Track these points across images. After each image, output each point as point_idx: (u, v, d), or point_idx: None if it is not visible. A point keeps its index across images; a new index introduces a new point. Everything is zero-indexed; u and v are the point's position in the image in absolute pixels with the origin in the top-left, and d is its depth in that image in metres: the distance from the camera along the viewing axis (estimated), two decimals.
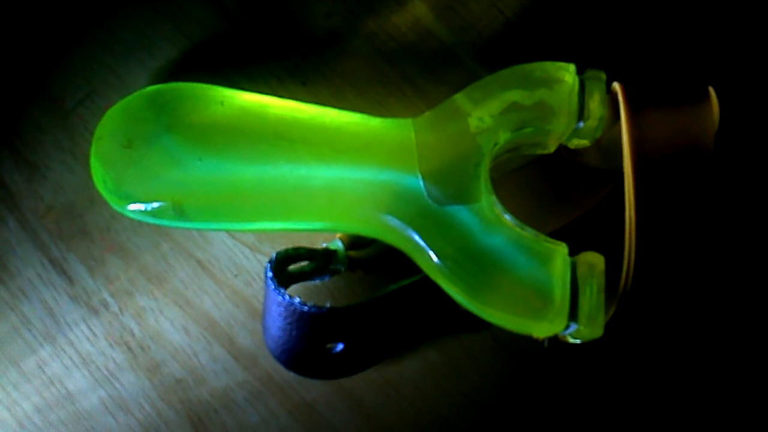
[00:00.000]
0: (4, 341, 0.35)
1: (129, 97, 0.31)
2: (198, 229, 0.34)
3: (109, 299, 0.34)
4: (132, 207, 0.30)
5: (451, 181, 0.29)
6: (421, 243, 0.29)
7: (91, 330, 0.34)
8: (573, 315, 0.28)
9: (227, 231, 0.35)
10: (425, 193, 0.29)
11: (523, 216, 0.31)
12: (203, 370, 0.34)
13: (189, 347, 0.34)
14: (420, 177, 0.29)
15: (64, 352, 0.34)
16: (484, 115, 0.30)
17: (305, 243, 0.33)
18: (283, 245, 0.33)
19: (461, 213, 0.29)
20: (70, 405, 0.34)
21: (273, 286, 0.29)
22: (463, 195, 0.29)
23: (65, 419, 0.34)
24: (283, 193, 0.30)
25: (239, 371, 0.34)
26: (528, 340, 0.31)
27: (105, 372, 0.34)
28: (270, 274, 0.30)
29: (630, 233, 0.28)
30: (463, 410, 0.33)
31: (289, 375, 0.33)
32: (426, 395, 0.34)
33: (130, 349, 0.34)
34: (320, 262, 0.32)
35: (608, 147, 0.31)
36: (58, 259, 0.34)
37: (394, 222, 0.29)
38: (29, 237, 0.34)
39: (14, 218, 0.34)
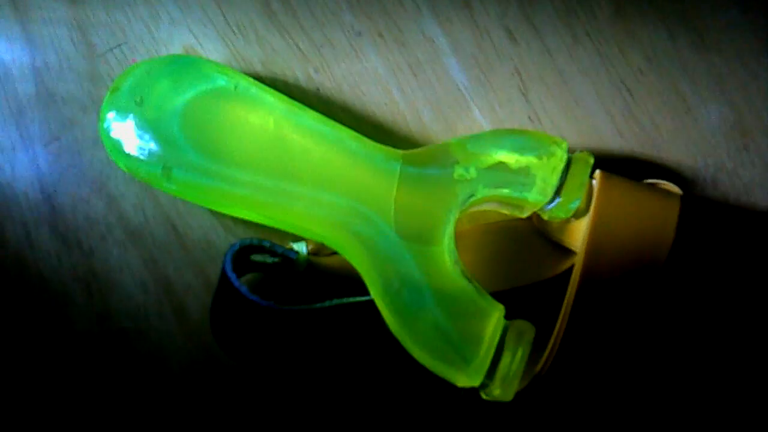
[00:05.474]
0: None
1: (154, 59, 0.33)
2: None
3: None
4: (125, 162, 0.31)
5: (420, 220, 0.31)
6: (374, 267, 0.30)
7: (58, 258, 0.36)
8: (490, 374, 0.29)
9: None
10: (393, 224, 0.31)
11: (477, 268, 0.33)
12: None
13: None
14: (393, 208, 0.31)
15: None
16: (470, 166, 0.31)
17: (275, 236, 0.34)
18: (255, 232, 0.35)
19: (420, 251, 0.31)
20: None
21: (229, 269, 0.31)
22: (427, 236, 0.31)
23: None
24: (264, 198, 0.31)
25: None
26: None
27: None
28: (229, 257, 0.32)
29: (565, 313, 0.29)
30: None
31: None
32: None
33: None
34: (281, 259, 0.33)
35: (576, 228, 0.33)
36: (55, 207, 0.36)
37: (356, 242, 0.31)
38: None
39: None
